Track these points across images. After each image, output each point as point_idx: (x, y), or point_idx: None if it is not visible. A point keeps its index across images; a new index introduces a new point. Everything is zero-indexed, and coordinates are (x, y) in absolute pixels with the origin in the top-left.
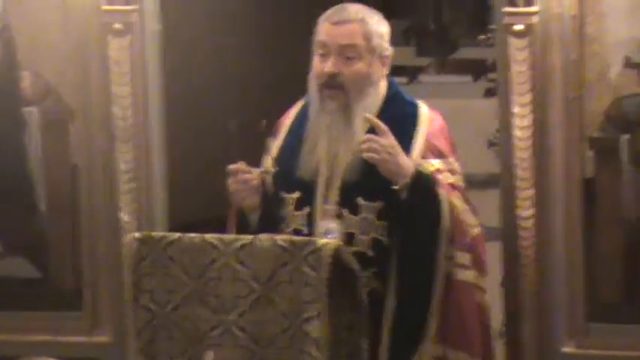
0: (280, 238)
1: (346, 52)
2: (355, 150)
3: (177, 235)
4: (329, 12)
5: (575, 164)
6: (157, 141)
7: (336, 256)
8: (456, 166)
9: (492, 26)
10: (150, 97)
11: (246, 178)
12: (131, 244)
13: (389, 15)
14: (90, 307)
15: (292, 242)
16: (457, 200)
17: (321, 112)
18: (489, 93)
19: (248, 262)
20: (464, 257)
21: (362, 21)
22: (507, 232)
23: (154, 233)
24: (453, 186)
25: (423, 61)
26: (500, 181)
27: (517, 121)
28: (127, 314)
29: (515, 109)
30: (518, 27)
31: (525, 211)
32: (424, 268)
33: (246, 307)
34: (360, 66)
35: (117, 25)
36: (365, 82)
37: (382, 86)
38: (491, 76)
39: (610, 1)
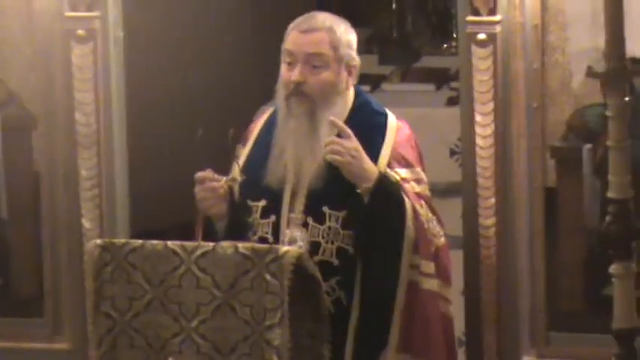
0: (242, 246)
1: (313, 61)
2: (320, 155)
3: (139, 242)
4: (297, 20)
5: (537, 173)
6: (119, 148)
7: (298, 263)
8: (423, 175)
9: (455, 35)
10: (113, 103)
11: (213, 187)
12: (93, 251)
13: (351, 23)
14: (51, 314)
15: (254, 250)
16: (423, 209)
17: (288, 117)
18: (452, 102)
19: (210, 270)
20: (429, 266)
21: (329, 30)
22: (469, 241)
23: (116, 240)
24: (419, 195)
25: (386, 70)
26: (462, 190)
27: (479, 130)
28: (89, 321)
29: (478, 118)
30: (481, 36)
31: (487, 219)
32: (387, 275)
33: (208, 314)
34: (326, 75)
35: (80, 32)
36: (331, 91)
37: (349, 95)
38: (454, 84)
39: (572, 10)
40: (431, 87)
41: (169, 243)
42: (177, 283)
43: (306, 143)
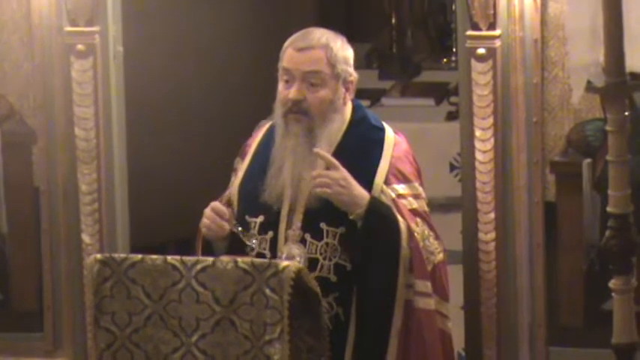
0: (242, 261)
1: (310, 79)
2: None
3: (139, 256)
4: (293, 37)
5: (536, 188)
6: (119, 163)
7: (298, 278)
8: (421, 190)
9: (455, 50)
10: (112, 118)
11: (221, 225)
12: (93, 266)
13: (351, 38)
14: (51, 329)
15: (254, 265)
16: (418, 227)
17: (286, 135)
18: (451, 116)
19: (209, 285)
20: (425, 285)
21: (326, 46)
22: (469, 256)
23: (115, 255)
24: (416, 212)
25: (386, 84)
26: (462, 205)
27: (479, 145)
28: (89, 336)
29: (477, 133)
30: (481, 51)
31: (487, 234)
32: (383, 296)
33: (208, 329)
34: (324, 92)
35: (79, 47)
36: (329, 108)
37: (347, 110)
38: (454, 99)
39: (572, 25)
40: (431, 102)
41: (169, 258)
42: (177, 297)
43: (305, 161)
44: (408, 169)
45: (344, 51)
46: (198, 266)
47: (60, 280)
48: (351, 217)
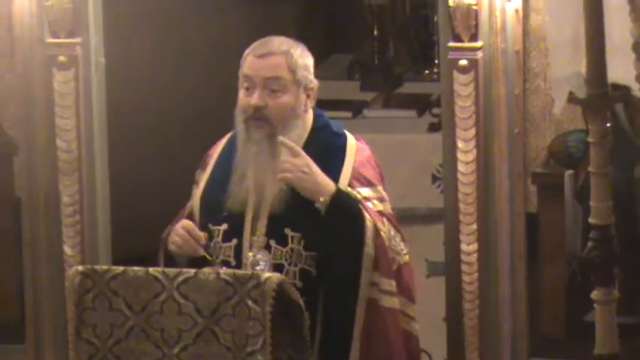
0: (224, 272)
1: (271, 85)
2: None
3: (121, 268)
4: (253, 45)
5: (518, 199)
6: (100, 174)
7: (280, 290)
8: (385, 194)
9: (437, 61)
10: (94, 130)
11: (193, 247)
12: (74, 278)
13: (333, 49)
14: (33, 341)
15: (236, 276)
16: (385, 227)
17: (248, 142)
18: (433, 128)
19: (191, 296)
20: (389, 284)
21: (286, 53)
22: (451, 267)
23: (97, 267)
24: (382, 213)
25: (368, 96)
26: (444, 216)
27: (461, 156)
28: (70, 348)
29: (459, 144)
30: (463, 62)
31: (469, 245)
32: (347, 292)
33: (190, 340)
34: (285, 98)
35: (61, 58)
36: (291, 114)
37: (309, 118)
38: (436, 111)
39: (554, 36)
40: (413, 113)
41: (151, 269)
42: (158, 309)
43: (267, 167)
44: (371, 173)
45: (304, 58)
46: (180, 278)
47: (41, 291)
48: (315, 206)
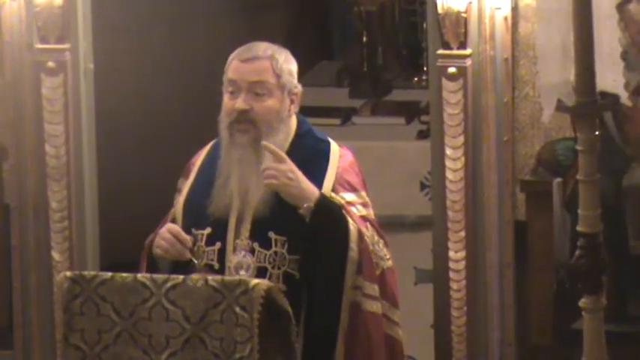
0: (212, 279)
1: (256, 89)
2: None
3: (109, 274)
4: (238, 50)
5: (507, 207)
6: (89, 180)
7: (268, 296)
8: (368, 200)
9: (426, 68)
10: (83, 135)
11: (181, 251)
12: (63, 283)
13: (322, 56)
14: (21, 346)
15: (224, 283)
16: (368, 232)
17: (232, 146)
18: (422, 135)
19: (180, 302)
20: (372, 288)
21: (271, 58)
22: (439, 274)
23: (85, 272)
24: (365, 218)
25: (356, 103)
26: (433, 223)
27: (449, 164)
28: (58, 353)
29: (448, 152)
30: (452, 69)
31: (457, 253)
32: (330, 296)
33: (178, 347)
34: (270, 102)
35: (50, 64)
36: (275, 118)
37: (292, 123)
38: (424, 118)
39: (542, 44)
40: (401, 120)
41: (139, 275)
42: (146, 315)
43: (252, 171)
44: (354, 179)
45: (288, 63)
46: (169, 284)
47: (30, 297)
48: (299, 212)
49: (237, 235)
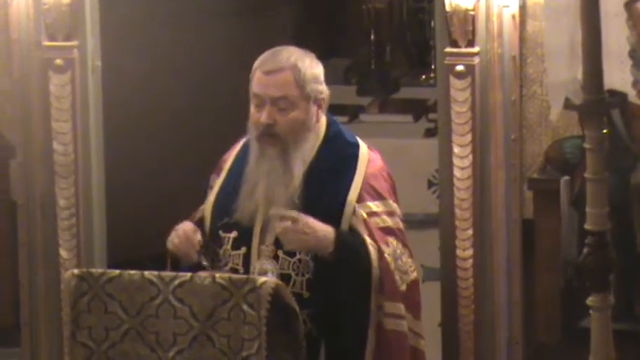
0: (219, 276)
1: (280, 104)
2: (292, 192)
3: (116, 271)
4: (262, 58)
5: (514, 205)
6: (96, 177)
7: (276, 294)
8: (395, 207)
9: (434, 66)
10: (90, 132)
11: (187, 252)
12: (70, 281)
13: (330, 54)
14: (28, 344)
15: (231, 280)
16: (389, 248)
17: (261, 158)
18: (430, 133)
19: (187, 300)
20: (394, 307)
21: (294, 67)
22: (446, 272)
23: (93, 270)
24: (389, 230)
25: (364, 101)
26: (440, 221)
27: (457, 162)
28: (66, 351)
29: (456, 150)
30: (459, 67)
31: (464, 251)
32: (357, 323)
33: (185, 344)
34: (294, 114)
35: (58, 61)
36: (301, 128)
37: (321, 126)
38: (432, 116)
39: (551, 42)
40: (409, 118)
41: (146, 273)
42: (154, 313)
43: (280, 182)
44: (382, 185)
45: (312, 69)
46: (176, 281)
47: (37, 294)
48: (322, 255)
49: (262, 241)
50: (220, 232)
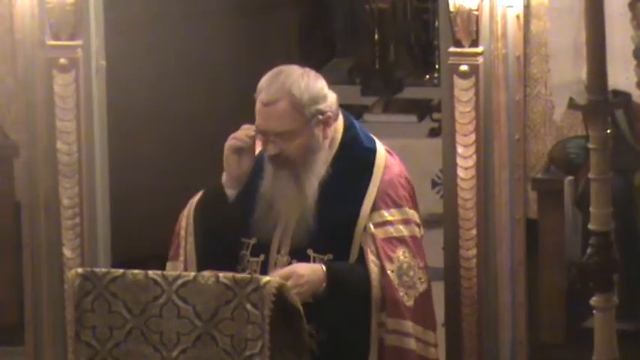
0: (223, 276)
1: (283, 136)
2: (307, 211)
3: (120, 271)
4: (263, 82)
5: (518, 205)
6: (100, 177)
7: (279, 294)
8: (411, 214)
9: (437, 66)
10: (94, 132)
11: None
12: (74, 280)
13: (334, 53)
14: (32, 343)
15: (235, 280)
16: (395, 264)
17: (275, 177)
18: (434, 133)
19: (191, 299)
20: (397, 323)
21: (289, 94)
22: (450, 272)
23: (97, 269)
24: (402, 240)
25: (368, 101)
26: (444, 221)
27: (461, 162)
28: (70, 350)
29: (460, 150)
30: (463, 67)
31: (468, 251)
32: (358, 345)
33: (189, 344)
34: (299, 142)
35: (62, 60)
36: (308, 152)
37: (336, 135)
38: (436, 116)
39: (555, 42)
40: (413, 118)
41: (150, 272)
42: (158, 312)
43: (293, 203)
44: (399, 193)
45: (310, 91)
46: (180, 281)
47: (41, 294)
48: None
49: (279, 251)
50: (241, 237)
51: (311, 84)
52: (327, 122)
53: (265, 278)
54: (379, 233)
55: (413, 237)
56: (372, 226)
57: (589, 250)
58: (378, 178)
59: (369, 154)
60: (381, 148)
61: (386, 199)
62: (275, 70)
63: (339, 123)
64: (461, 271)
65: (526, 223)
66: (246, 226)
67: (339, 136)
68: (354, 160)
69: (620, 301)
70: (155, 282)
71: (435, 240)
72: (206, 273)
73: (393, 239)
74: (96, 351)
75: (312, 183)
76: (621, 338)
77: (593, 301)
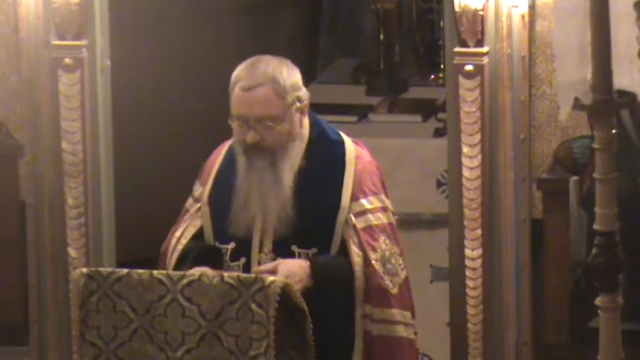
0: (227, 276)
1: (264, 122)
2: (285, 202)
3: (125, 270)
4: (239, 72)
5: (523, 205)
6: (105, 176)
7: (284, 294)
8: (387, 201)
9: (443, 66)
10: (99, 132)
11: None
12: (79, 280)
13: (339, 53)
14: (37, 343)
15: (240, 280)
16: (377, 253)
17: (249, 169)
18: (439, 133)
19: (195, 299)
20: (382, 312)
21: (272, 80)
22: (455, 272)
23: (102, 269)
24: (382, 228)
25: (373, 100)
26: (449, 221)
27: (466, 162)
28: (74, 350)
29: (465, 150)
30: (469, 67)
31: (473, 251)
32: (343, 337)
33: (194, 343)
34: (280, 128)
35: (67, 60)
36: (288, 139)
37: (305, 129)
38: (441, 116)
39: (560, 42)
40: (418, 118)
41: (155, 272)
42: (162, 312)
43: (271, 192)
44: (373, 181)
45: (291, 78)
46: (184, 281)
47: (46, 293)
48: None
49: (260, 250)
50: (217, 244)
51: (291, 72)
52: (303, 111)
53: (270, 278)
54: (360, 223)
55: (390, 224)
56: (352, 217)
57: (594, 250)
58: (351, 169)
59: (338, 147)
60: (348, 139)
61: (363, 188)
62: (251, 59)
63: (306, 120)
64: (466, 271)
65: (531, 223)
66: (221, 230)
67: (306, 133)
68: (325, 153)
69: (625, 301)
70: (160, 282)
71: (440, 240)
72: (211, 273)
73: (374, 228)
74: (100, 351)
75: (288, 172)
76: (626, 338)
77: (598, 301)
